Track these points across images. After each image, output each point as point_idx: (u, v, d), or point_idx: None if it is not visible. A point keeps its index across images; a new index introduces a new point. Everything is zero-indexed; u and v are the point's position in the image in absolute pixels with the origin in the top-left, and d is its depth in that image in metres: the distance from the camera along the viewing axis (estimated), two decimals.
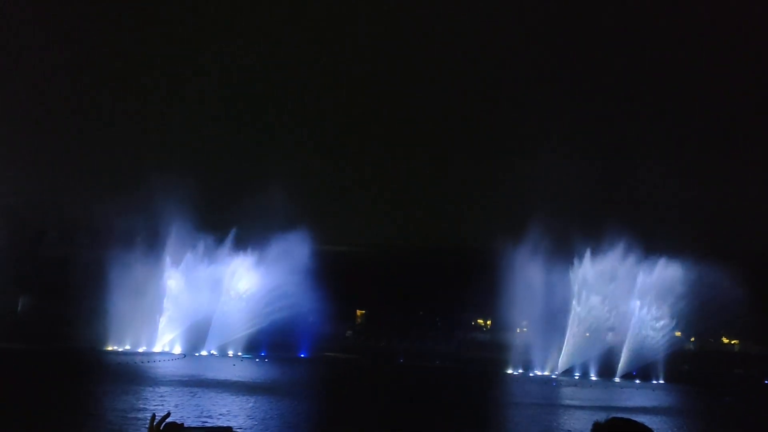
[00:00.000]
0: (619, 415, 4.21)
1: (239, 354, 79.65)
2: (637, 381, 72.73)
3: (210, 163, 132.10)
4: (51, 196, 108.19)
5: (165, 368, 59.67)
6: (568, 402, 50.76)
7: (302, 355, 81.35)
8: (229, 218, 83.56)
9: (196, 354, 79.30)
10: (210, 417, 30.85)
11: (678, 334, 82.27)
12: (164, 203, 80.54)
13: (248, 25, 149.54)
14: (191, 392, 41.42)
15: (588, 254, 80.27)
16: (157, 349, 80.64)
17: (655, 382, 73.48)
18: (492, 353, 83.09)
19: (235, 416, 32.40)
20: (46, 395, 37.00)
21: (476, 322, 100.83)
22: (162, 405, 34.30)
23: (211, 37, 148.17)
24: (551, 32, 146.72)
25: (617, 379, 74.85)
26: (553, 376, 75.14)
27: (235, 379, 52.33)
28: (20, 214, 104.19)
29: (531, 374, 76.62)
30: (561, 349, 79.28)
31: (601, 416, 4.22)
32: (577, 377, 75.25)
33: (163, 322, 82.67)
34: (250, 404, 38.01)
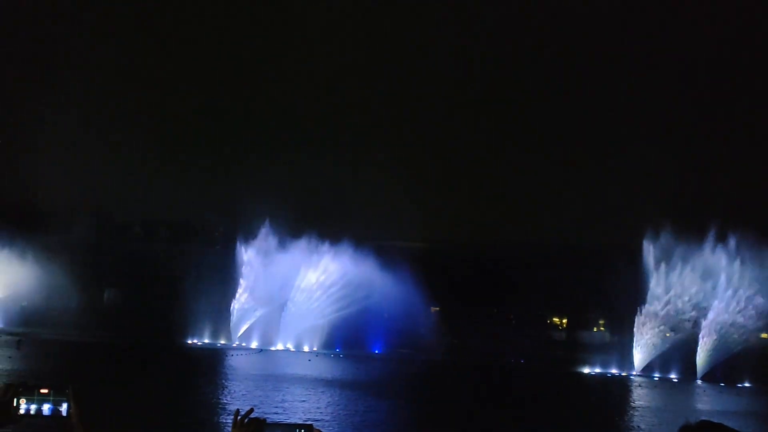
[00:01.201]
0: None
1: (314, 349, 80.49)
2: (722, 384, 70.50)
3: (282, 161, 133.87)
4: (135, 191, 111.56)
5: (243, 362, 60.79)
6: (642, 404, 49.62)
7: (376, 352, 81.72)
8: (305, 213, 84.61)
9: (272, 348, 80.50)
10: (290, 413, 31.21)
11: (765, 335, 79.51)
12: (242, 198, 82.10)
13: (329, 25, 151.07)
14: (271, 387, 42.02)
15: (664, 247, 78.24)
16: (234, 342, 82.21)
17: (740, 385, 71.08)
18: (567, 351, 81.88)
19: (316, 412, 32.68)
20: (131, 389, 38.03)
21: (551, 320, 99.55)
22: (244, 400, 34.90)
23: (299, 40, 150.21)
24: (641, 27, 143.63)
25: (699, 381, 72.78)
26: (631, 376, 73.61)
27: (312, 374, 52.86)
28: (106, 209, 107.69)
29: (608, 374, 75.20)
30: (638, 347, 77.58)
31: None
32: (656, 378, 73.50)
33: (238, 315, 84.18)
34: (330, 400, 38.27)
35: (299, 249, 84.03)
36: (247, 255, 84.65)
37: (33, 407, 3.48)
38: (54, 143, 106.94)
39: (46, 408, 3.49)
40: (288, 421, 4.16)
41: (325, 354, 76.45)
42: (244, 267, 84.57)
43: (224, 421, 27.07)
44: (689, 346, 76.84)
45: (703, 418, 4.12)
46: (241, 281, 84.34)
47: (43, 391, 3.48)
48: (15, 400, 3.47)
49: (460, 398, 46.17)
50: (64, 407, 3.51)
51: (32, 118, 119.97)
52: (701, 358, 75.67)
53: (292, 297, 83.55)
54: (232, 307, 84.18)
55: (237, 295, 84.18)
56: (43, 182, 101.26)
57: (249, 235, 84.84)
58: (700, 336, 76.25)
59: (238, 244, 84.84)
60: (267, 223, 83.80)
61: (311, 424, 4.04)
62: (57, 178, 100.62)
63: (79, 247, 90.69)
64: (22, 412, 3.49)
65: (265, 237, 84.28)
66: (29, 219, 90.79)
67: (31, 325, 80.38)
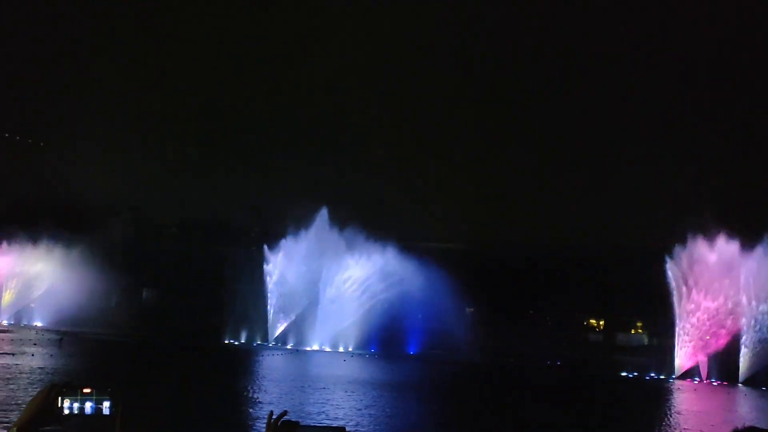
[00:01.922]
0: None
1: (350, 350, 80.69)
2: (764, 388, 69.18)
3: (321, 161, 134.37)
4: (172, 192, 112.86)
5: (280, 363, 61.12)
6: (685, 408, 48.95)
7: (411, 353, 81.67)
8: (341, 212, 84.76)
9: (307, 349, 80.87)
10: (326, 415, 31.26)
11: None
12: (277, 198, 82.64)
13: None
14: (307, 388, 42.13)
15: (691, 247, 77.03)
16: (270, 343, 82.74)
17: None
18: (604, 354, 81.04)
19: (354, 414, 32.68)
20: (169, 389, 38.40)
21: (588, 323, 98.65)
22: (280, 401, 35.07)
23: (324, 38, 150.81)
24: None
25: (740, 385, 71.53)
26: (671, 379, 72.64)
27: (349, 375, 52.92)
28: (143, 209, 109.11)
29: (647, 377, 74.31)
30: (678, 351, 76.53)
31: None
32: (697, 381, 72.45)
33: (274, 315, 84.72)
34: (368, 402, 38.22)
35: (333, 244, 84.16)
36: (280, 252, 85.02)
37: (76, 406, 3.53)
38: (94, 144, 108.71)
39: (89, 407, 3.54)
40: (321, 424, 4.12)
41: (360, 354, 76.64)
42: (276, 262, 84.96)
43: (259, 426, 27.24)
44: (730, 350, 75.60)
45: (751, 424, 4.04)
46: (271, 278, 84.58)
47: (86, 390, 3.53)
48: (59, 400, 3.53)
49: (501, 399, 45.93)
50: (106, 406, 3.56)
51: (72, 119, 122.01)
52: (743, 362, 74.42)
53: (326, 292, 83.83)
54: (268, 307, 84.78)
55: (270, 288, 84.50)
56: (84, 182, 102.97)
57: (283, 233, 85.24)
58: (742, 341, 75.01)
59: (271, 246, 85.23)
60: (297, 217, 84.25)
61: (343, 427, 4.02)
62: (97, 179, 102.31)
63: (118, 247, 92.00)
64: (66, 412, 3.54)
65: (302, 231, 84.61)
66: (70, 219, 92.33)
67: (72, 323, 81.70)
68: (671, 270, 76.83)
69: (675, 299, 77.23)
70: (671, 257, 76.71)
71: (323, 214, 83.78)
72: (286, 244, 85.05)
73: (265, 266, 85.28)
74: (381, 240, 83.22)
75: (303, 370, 55.28)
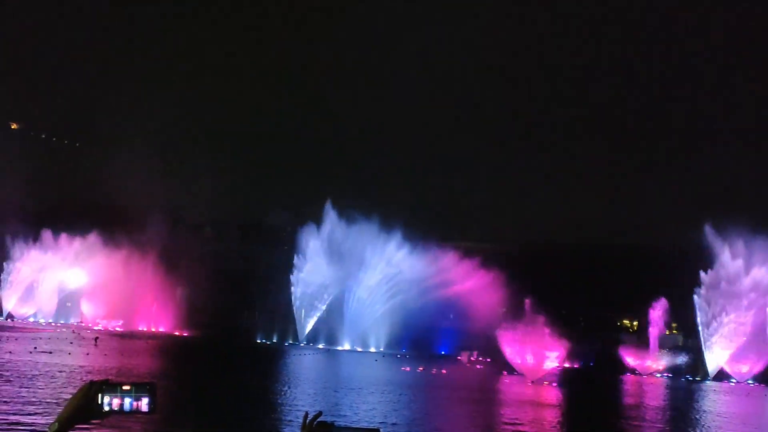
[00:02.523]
0: None
1: (381, 350, 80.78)
2: None
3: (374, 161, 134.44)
4: (206, 192, 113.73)
5: (312, 362, 61.33)
6: (724, 410, 48.08)
7: (443, 352, 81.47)
8: (390, 210, 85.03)
9: (338, 348, 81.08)
10: (361, 415, 31.25)
11: None
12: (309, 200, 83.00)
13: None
14: (340, 389, 42.15)
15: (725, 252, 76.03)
16: (301, 342, 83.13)
17: None
18: (637, 354, 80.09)
19: (387, 414, 32.62)
20: (205, 387, 38.61)
21: (622, 323, 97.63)
22: (314, 401, 35.19)
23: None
24: None
25: None
26: (708, 382, 71.67)
27: (379, 375, 52.86)
28: (179, 211, 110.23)
29: (682, 378, 73.43)
30: (712, 352, 75.49)
31: None
32: (732, 383, 71.45)
33: (304, 314, 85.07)
34: (402, 402, 38.08)
35: (363, 234, 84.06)
36: (313, 241, 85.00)
37: (116, 403, 3.63)
38: (133, 146, 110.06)
39: (128, 403, 3.64)
40: (356, 425, 4.21)
41: (391, 354, 76.61)
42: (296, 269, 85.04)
43: (293, 427, 27.38)
44: (763, 350, 74.35)
45: None
46: (299, 281, 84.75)
47: (125, 387, 3.64)
48: (99, 396, 3.63)
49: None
50: (145, 402, 3.66)
51: (111, 121, 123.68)
52: None
53: (357, 292, 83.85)
54: (298, 306, 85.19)
55: (295, 280, 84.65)
56: (121, 183, 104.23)
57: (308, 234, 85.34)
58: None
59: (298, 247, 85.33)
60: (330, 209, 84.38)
61: (378, 429, 4.08)
62: (134, 179, 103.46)
63: (154, 246, 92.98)
64: (105, 408, 3.64)
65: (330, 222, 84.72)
66: (108, 218, 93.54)
67: (109, 320, 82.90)
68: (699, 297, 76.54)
69: (704, 311, 76.52)
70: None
71: (352, 215, 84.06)
72: (315, 243, 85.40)
73: (294, 271, 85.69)
74: (421, 239, 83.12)
75: (335, 370, 55.42)
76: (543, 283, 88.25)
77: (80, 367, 42.98)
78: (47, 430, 3.65)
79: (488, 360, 72.02)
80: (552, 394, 51.83)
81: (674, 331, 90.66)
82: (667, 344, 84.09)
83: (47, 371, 39.22)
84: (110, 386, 3.61)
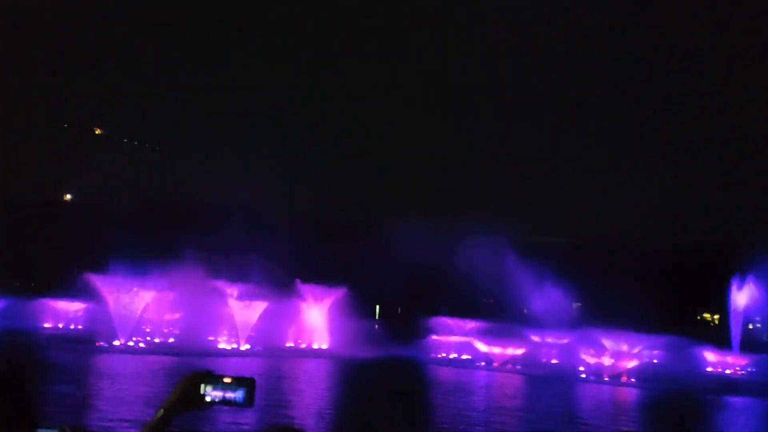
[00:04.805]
0: None
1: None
2: None
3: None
4: (281, 192, 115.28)
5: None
6: None
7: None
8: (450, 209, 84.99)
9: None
10: None
11: None
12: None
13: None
14: None
15: None
16: None
17: None
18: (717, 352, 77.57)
19: None
20: None
21: (702, 316, 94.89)
22: None
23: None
24: None
25: None
26: None
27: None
28: (254, 209, 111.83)
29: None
30: None
31: None
32: None
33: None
34: None
35: None
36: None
37: (216, 394, 4.12)
38: (208, 144, 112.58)
39: (228, 395, 4.13)
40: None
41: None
42: None
43: None
44: None
45: None
46: None
47: (226, 380, 4.13)
48: (202, 386, 4.13)
49: None
50: (241, 395, 4.13)
51: (186, 122, 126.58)
52: None
53: None
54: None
55: None
56: (197, 181, 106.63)
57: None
58: None
59: None
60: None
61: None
62: (210, 177, 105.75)
63: (231, 246, 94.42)
64: (207, 399, 4.13)
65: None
66: (182, 216, 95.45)
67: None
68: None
69: None
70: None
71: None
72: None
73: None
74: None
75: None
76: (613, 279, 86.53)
77: None
78: (153, 416, 4.14)
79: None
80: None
81: (758, 325, 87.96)
82: (750, 339, 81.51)
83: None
84: (212, 378, 4.10)
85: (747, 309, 77.67)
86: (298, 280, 73.64)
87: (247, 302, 67.64)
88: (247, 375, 4.20)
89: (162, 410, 4.12)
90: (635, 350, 67.51)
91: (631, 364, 63.71)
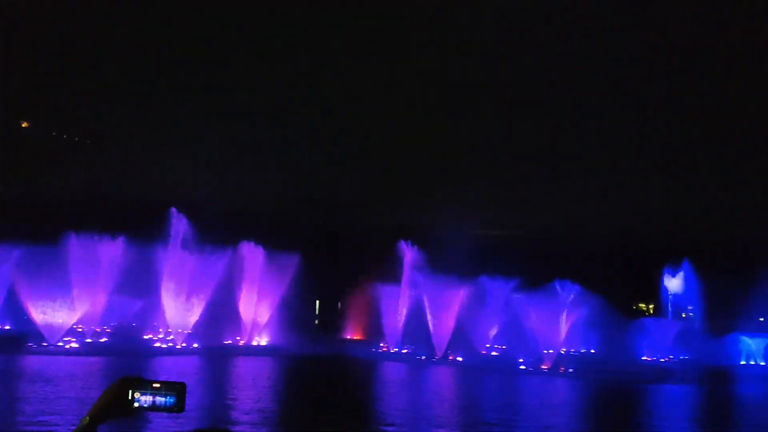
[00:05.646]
0: None
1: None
2: None
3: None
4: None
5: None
6: None
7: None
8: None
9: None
10: None
11: None
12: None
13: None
14: None
15: None
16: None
17: None
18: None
19: None
20: None
21: (638, 306, 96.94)
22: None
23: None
24: None
25: None
26: None
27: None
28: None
29: None
30: None
31: None
32: None
33: None
34: None
35: None
36: None
37: (146, 400, 3.78)
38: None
39: (158, 401, 3.78)
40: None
41: None
42: None
43: None
44: None
45: None
46: None
47: (155, 385, 3.78)
48: (130, 393, 3.78)
49: None
50: (173, 400, 3.80)
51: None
52: None
53: None
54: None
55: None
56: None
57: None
58: None
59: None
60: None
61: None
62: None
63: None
64: (136, 404, 3.79)
65: None
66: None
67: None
68: None
69: None
70: None
71: None
72: None
73: None
74: None
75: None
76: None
77: None
78: (79, 424, 3.79)
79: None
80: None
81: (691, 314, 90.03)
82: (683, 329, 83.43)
83: None
84: (141, 383, 3.76)
85: (680, 298, 79.69)
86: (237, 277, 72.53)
87: (183, 300, 66.56)
88: (181, 376, 3.90)
89: (87, 417, 3.87)
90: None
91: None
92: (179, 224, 69.87)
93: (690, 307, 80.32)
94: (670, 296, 79.53)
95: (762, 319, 73.99)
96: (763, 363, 71.58)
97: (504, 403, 43.23)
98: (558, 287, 69.43)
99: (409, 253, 75.70)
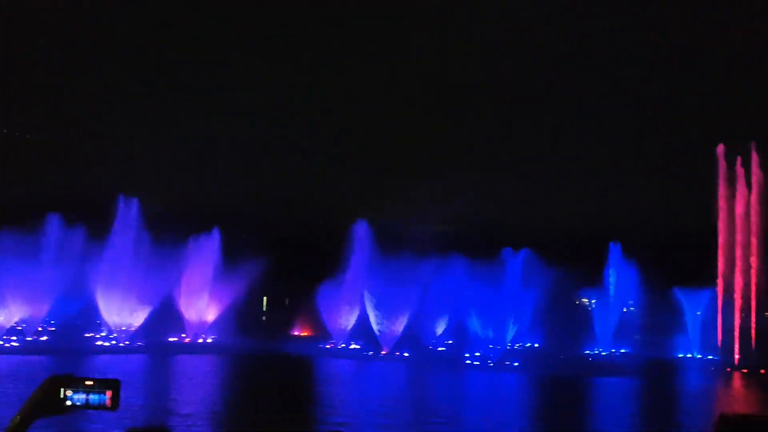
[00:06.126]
0: None
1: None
2: None
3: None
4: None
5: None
6: None
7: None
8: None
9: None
10: None
11: None
12: None
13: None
14: None
15: None
16: None
17: None
18: None
19: None
20: None
21: (581, 301, 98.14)
22: None
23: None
24: None
25: None
26: None
27: None
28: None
29: None
30: None
31: None
32: None
33: None
34: None
35: None
36: None
37: (78, 398, 3.70)
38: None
39: (91, 398, 3.70)
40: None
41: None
42: None
43: None
44: None
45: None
46: None
47: (88, 383, 3.70)
48: (62, 391, 3.70)
49: None
50: (107, 398, 3.72)
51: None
52: None
53: None
54: None
55: None
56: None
57: None
58: None
59: None
60: None
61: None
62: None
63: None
64: (68, 403, 3.71)
65: None
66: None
67: None
68: None
69: None
70: None
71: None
72: None
73: None
74: None
75: None
76: None
77: None
78: (9, 423, 3.70)
79: None
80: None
81: (632, 308, 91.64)
82: (624, 323, 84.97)
83: None
84: (73, 381, 3.67)
85: (622, 293, 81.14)
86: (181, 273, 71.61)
87: (126, 297, 65.53)
88: (121, 374, 3.84)
89: (18, 416, 3.79)
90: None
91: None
92: (126, 214, 68.90)
93: (631, 302, 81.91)
94: (612, 290, 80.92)
95: (699, 313, 75.81)
96: (699, 356, 73.51)
97: (444, 399, 43.48)
98: (505, 255, 71.09)
99: (358, 251, 75.67)
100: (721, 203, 75.38)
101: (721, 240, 74.99)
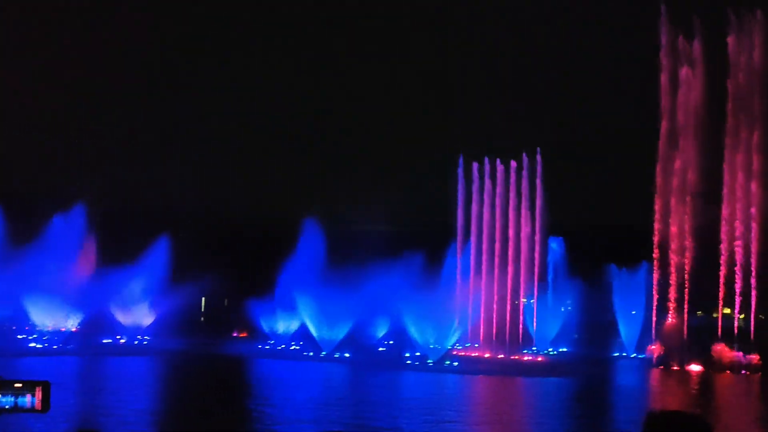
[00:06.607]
0: None
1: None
2: None
3: None
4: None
5: None
6: None
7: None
8: None
9: None
10: None
11: None
12: None
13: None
14: None
15: None
16: None
17: None
18: None
19: None
20: None
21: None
22: None
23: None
24: None
25: None
26: None
27: None
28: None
29: None
30: None
31: None
32: None
33: None
34: None
35: None
36: None
37: (7, 400, 3.55)
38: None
39: (21, 401, 3.57)
40: None
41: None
42: None
43: None
44: None
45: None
46: None
47: (17, 385, 3.56)
48: None
49: None
50: (38, 399, 3.59)
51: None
52: None
53: None
54: None
55: None
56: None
57: None
58: None
59: None
60: None
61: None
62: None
63: None
64: None
65: None
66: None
67: None
68: None
69: None
70: None
71: None
72: None
73: None
74: None
75: None
76: None
77: None
78: None
79: None
80: None
81: (569, 308, 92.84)
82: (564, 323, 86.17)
83: None
84: (3, 384, 3.52)
85: (560, 292, 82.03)
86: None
87: (59, 298, 64.00)
88: (53, 376, 3.70)
89: None
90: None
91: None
92: (63, 220, 67.49)
93: (569, 301, 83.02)
94: (549, 291, 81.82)
95: (634, 312, 77.30)
96: (634, 355, 75.05)
97: (380, 400, 43.42)
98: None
99: (302, 249, 75.02)
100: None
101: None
